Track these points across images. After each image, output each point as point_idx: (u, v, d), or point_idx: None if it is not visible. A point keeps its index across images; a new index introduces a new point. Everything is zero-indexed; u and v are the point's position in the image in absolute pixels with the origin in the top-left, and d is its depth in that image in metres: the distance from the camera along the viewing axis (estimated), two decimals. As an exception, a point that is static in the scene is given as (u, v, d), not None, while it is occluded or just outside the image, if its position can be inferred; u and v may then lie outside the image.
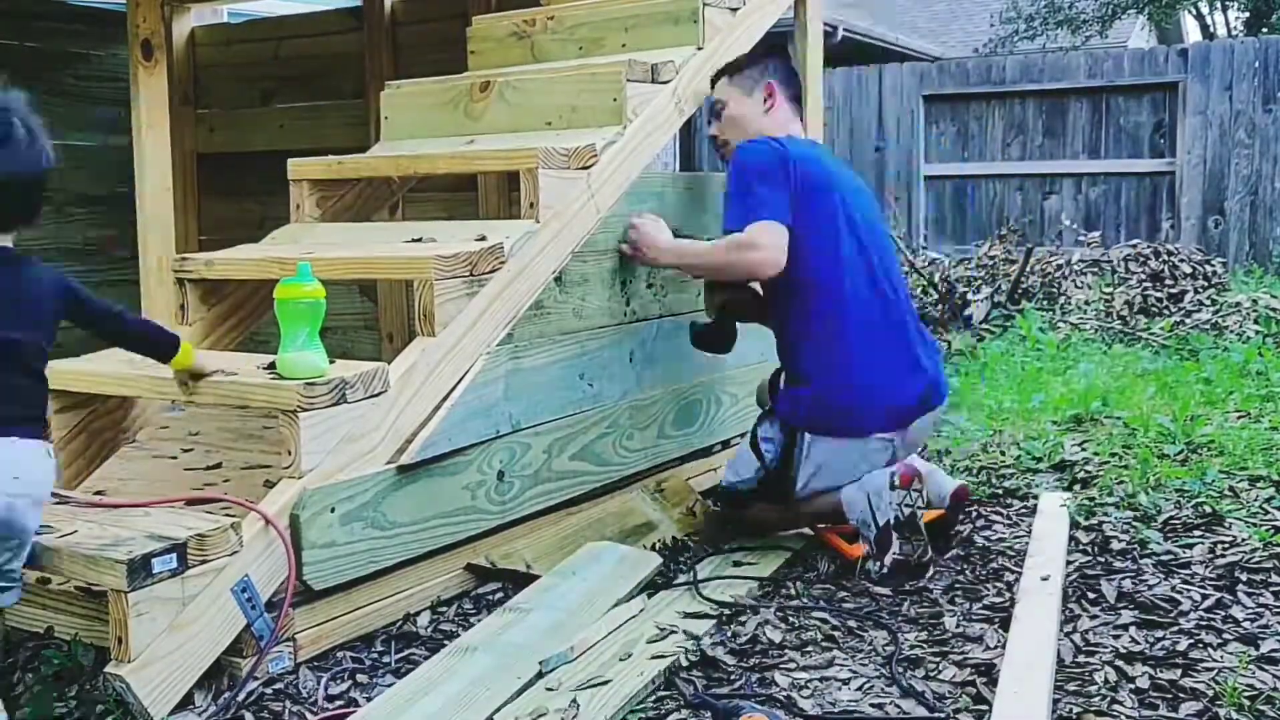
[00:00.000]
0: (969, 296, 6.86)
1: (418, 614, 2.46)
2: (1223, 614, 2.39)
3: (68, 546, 1.98)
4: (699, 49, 3.19)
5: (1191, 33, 20.10)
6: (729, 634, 2.35)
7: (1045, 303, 7.20)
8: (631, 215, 2.98)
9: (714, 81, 3.18)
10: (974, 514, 3.12)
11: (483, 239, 2.60)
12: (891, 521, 2.68)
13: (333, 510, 2.22)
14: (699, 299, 3.28)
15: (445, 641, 2.31)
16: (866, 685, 2.11)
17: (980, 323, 6.68)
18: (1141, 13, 17.09)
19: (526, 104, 3.07)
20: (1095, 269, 7.49)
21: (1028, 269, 7.39)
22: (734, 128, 3.07)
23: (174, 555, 1.97)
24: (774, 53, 3.21)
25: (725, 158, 3.10)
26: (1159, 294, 6.94)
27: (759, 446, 2.93)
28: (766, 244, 2.78)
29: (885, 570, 2.66)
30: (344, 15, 4.96)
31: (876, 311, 2.87)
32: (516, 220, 2.73)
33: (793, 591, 2.61)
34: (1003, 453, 3.84)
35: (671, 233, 3.00)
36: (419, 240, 2.72)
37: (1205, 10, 18.40)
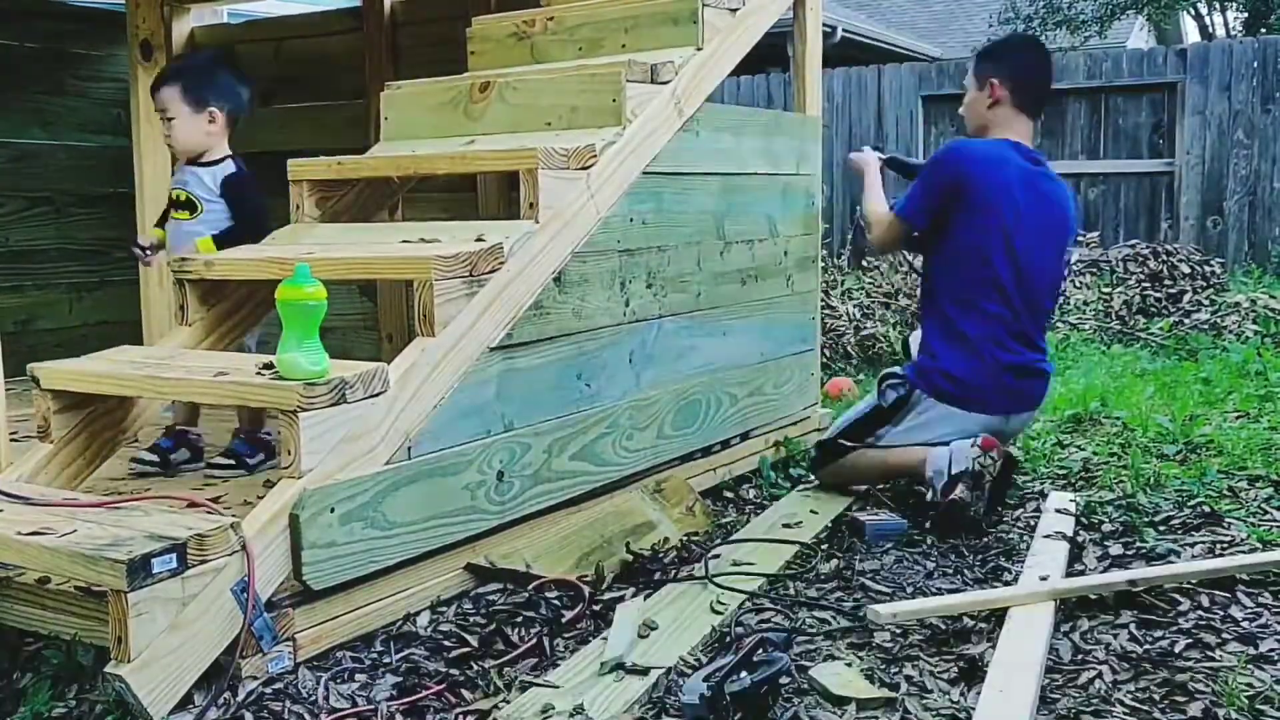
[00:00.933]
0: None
1: (418, 614, 2.46)
2: (1221, 614, 2.40)
3: (68, 546, 1.98)
4: (698, 49, 3.20)
5: (1190, 33, 20.11)
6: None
7: (1044, 303, 7.19)
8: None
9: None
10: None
11: (482, 239, 2.60)
12: (962, 471, 2.99)
13: (332, 510, 2.22)
14: (699, 299, 3.29)
15: (445, 641, 2.31)
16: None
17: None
18: (1140, 13, 17.11)
19: (526, 104, 3.07)
20: (1094, 269, 7.49)
21: (1027, 269, 7.38)
22: (968, 113, 3.47)
23: (174, 555, 1.97)
24: (1016, 46, 3.63)
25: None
26: (1158, 294, 6.95)
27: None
28: (884, 237, 3.46)
29: (942, 507, 2.98)
30: (344, 15, 4.97)
31: (1005, 316, 3.24)
32: (516, 220, 2.72)
33: (792, 590, 2.61)
34: (1002, 453, 3.84)
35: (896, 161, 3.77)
36: (419, 240, 2.72)
37: (1204, 10, 18.41)
